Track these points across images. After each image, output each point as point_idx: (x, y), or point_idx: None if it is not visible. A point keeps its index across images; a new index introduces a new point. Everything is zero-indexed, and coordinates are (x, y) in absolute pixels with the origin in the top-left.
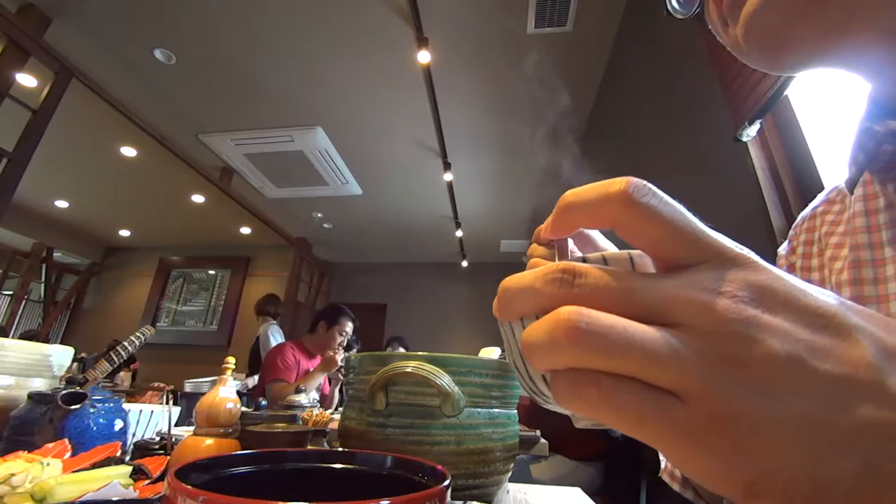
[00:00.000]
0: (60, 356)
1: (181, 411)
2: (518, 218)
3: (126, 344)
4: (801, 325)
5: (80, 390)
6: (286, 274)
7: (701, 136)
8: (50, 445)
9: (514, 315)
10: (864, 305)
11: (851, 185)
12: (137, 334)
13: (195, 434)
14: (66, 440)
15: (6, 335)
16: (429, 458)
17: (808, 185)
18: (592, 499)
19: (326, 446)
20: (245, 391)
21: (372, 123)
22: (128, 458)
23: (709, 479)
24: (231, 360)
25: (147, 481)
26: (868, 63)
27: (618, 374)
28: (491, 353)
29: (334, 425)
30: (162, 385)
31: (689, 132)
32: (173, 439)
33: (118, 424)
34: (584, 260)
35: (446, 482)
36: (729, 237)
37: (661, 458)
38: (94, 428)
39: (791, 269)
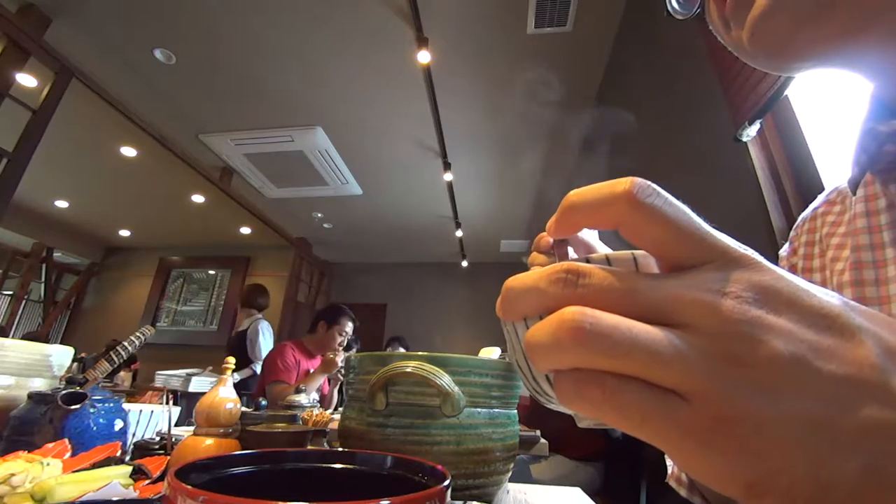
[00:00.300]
0: (60, 356)
1: (181, 411)
2: (518, 218)
3: (126, 344)
4: (805, 325)
5: (80, 390)
6: (286, 274)
7: (701, 136)
8: (50, 445)
9: (518, 315)
10: (865, 307)
11: (854, 185)
12: (137, 334)
13: (195, 434)
14: (66, 440)
15: (6, 335)
16: (429, 458)
17: (808, 185)
18: (592, 499)
19: (326, 446)
20: None
21: (372, 123)
22: (128, 458)
23: (712, 478)
24: (231, 360)
25: (147, 481)
26: (872, 64)
27: (622, 374)
28: (491, 353)
29: (334, 425)
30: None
31: (689, 132)
32: (173, 439)
33: (118, 424)
34: (587, 260)
35: (446, 482)
36: (729, 237)
37: (668, 463)
38: (94, 428)
39: (793, 270)
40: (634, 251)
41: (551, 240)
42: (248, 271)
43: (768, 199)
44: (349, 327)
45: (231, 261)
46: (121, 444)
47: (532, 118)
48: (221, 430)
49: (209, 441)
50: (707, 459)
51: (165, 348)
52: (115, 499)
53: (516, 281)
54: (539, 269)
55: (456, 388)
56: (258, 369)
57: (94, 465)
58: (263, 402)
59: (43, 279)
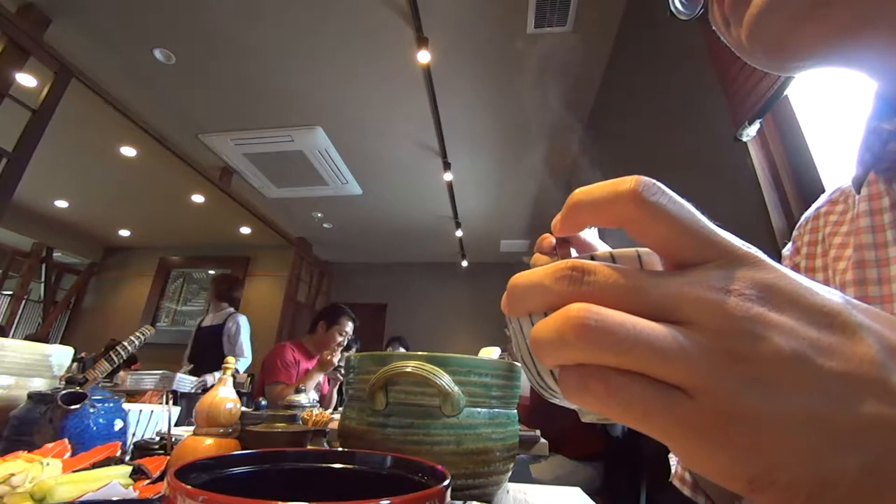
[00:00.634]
0: (60, 356)
1: (181, 411)
2: (518, 218)
3: (126, 344)
4: (806, 322)
5: (80, 390)
6: (286, 274)
7: (701, 135)
8: (50, 445)
9: (523, 311)
10: (867, 305)
11: (858, 184)
12: (137, 334)
13: (195, 434)
14: (66, 440)
15: (6, 335)
16: (429, 458)
17: (808, 185)
18: (592, 499)
19: (326, 446)
20: (203, 390)
21: (372, 123)
22: (128, 458)
23: (714, 473)
24: (231, 360)
25: (147, 481)
26: (874, 62)
27: (626, 369)
28: (491, 352)
29: (334, 425)
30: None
31: (689, 132)
32: (173, 439)
33: (118, 424)
34: (591, 258)
35: (446, 482)
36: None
37: (672, 462)
38: (94, 428)
39: (795, 269)
40: (639, 248)
41: (554, 240)
42: (247, 271)
43: (768, 199)
44: (349, 327)
45: (231, 261)
46: (121, 444)
47: (532, 118)
48: (221, 430)
49: (209, 441)
50: (709, 454)
51: (165, 348)
52: (114, 499)
53: (522, 277)
54: (545, 266)
55: (456, 388)
56: (241, 367)
57: (94, 465)
58: (263, 402)
59: (43, 279)
